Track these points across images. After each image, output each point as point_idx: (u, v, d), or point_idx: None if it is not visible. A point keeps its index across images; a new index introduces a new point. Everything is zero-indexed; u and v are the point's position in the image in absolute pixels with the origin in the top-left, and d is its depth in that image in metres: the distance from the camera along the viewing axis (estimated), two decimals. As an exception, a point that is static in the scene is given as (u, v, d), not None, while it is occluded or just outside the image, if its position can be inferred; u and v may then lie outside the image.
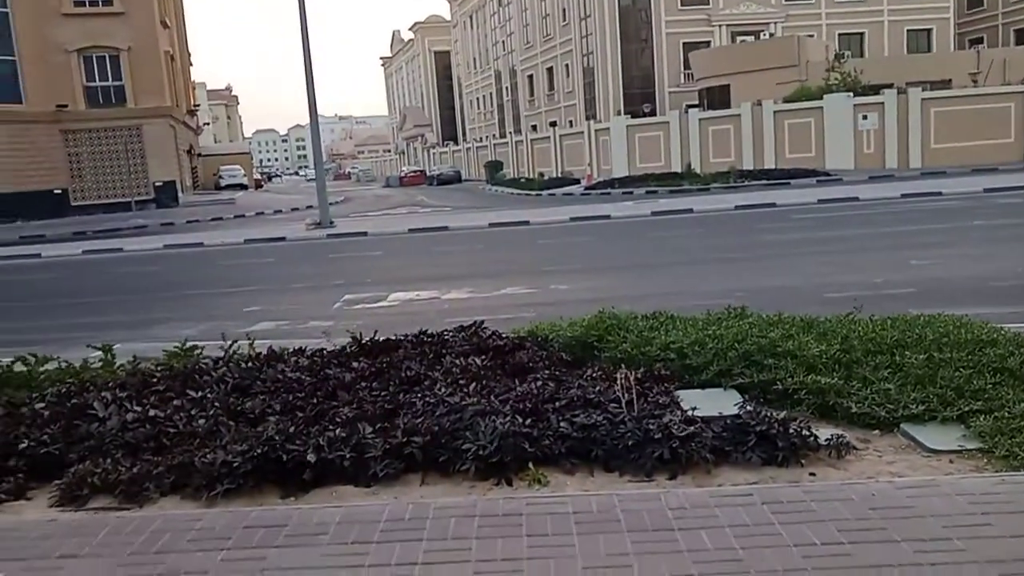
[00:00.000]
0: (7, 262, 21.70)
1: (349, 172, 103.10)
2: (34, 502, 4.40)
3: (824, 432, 4.48)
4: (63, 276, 18.14)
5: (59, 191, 37.20)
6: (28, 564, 3.58)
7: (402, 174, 65.79)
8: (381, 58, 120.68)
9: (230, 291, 14.34)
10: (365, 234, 23.17)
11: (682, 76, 50.96)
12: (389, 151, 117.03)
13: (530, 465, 4.28)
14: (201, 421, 4.89)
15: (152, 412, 5.05)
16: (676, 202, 25.14)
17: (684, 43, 50.97)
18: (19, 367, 6.88)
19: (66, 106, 36.96)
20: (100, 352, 7.24)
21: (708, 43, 50.89)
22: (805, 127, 34.78)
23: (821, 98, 34.68)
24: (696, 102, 44.85)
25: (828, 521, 3.52)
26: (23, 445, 4.69)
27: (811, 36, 47.69)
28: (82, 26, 37.07)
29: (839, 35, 51.95)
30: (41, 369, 6.89)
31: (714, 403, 4.93)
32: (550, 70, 61.10)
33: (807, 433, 4.38)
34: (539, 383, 5.28)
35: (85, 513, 4.16)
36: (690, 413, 4.60)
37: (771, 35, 49.55)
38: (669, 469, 4.19)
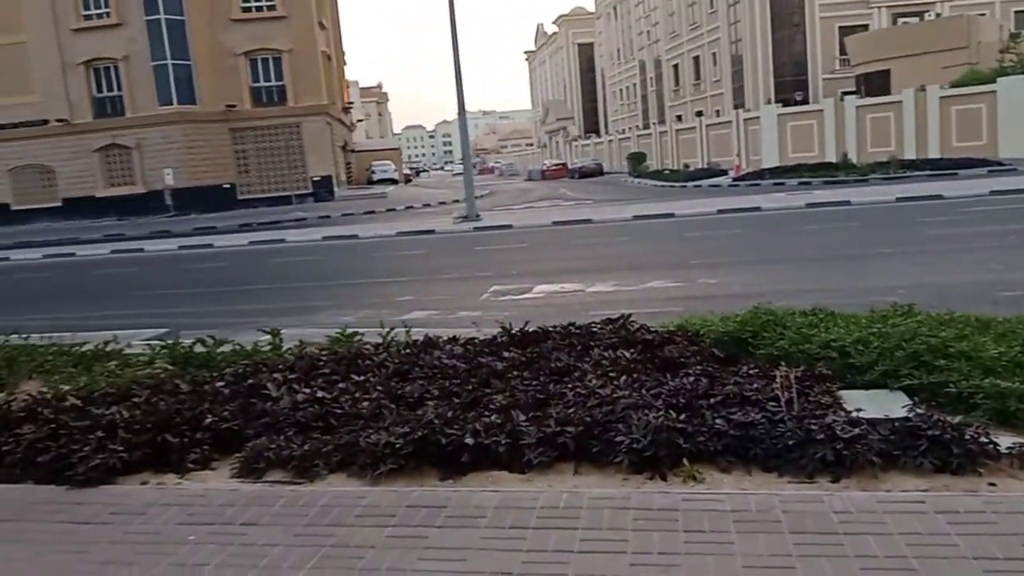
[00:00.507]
0: (184, 251, 23.54)
1: (492, 166, 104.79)
2: (217, 472, 4.77)
3: (1005, 440, 4.17)
4: (232, 265, 19.45)
5: (228, 186, 39.92)
6: (215, 529, 3.90)
7: (544, 167, 66.16)
8: (525, 52, 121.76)
9: (384, 281, 14.94)
10: (510, 227, 23.51)
11: (837, 62, 48.54)
12: (531, 145, 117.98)
13: (684, 461, 4.23)
14: (365, 403, 5.14)
15: (320, 394, 5.36)
16: (831, 193, 23.99)
17: (840, 27, 48.50)
18: (199, 348, 7.48)
19: (234, 106, 39.59)
20: (269, 336, 7.75)
21: (866, 26, 48.17)
22: (975, 113, 32.33)
23: (994, 81, 32.11)
24: (852, 89, 42.59)
25: (1012, 535, 3.30)
26: (207, 420, 5.09)
27: (983, 15, 44.23)
28: (249, 30, 39.55)
29: (1015, 12, 47.91)
30: (218, 350, 7.46)
31: (880, 405, 4.70)
32: (696, 59, 59.73)
33: (985, 440, 4.10)
34: (691, 378, 5.21)
35: (262, 485, 4.48)
36: (854, 414, 4.41)
37: (937, 15, 46.32)
38: (832, 472, 4.03)
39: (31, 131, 39.79)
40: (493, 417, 4.67)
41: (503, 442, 4.43)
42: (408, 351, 6.41)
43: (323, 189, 41.06)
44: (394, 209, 35.91)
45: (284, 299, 13.51)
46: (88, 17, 38.96)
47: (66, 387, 6.56)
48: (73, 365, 7.60)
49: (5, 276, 21.37)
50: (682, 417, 4.48)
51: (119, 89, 39.40)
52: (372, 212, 34.71)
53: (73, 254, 25.09)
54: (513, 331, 6.77)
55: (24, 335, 8.81)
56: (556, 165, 65.59)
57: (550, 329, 6.80)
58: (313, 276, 16.47)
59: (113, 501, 4.35)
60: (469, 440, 4.43)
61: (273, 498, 4.23)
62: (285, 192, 40.18)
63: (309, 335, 8.44)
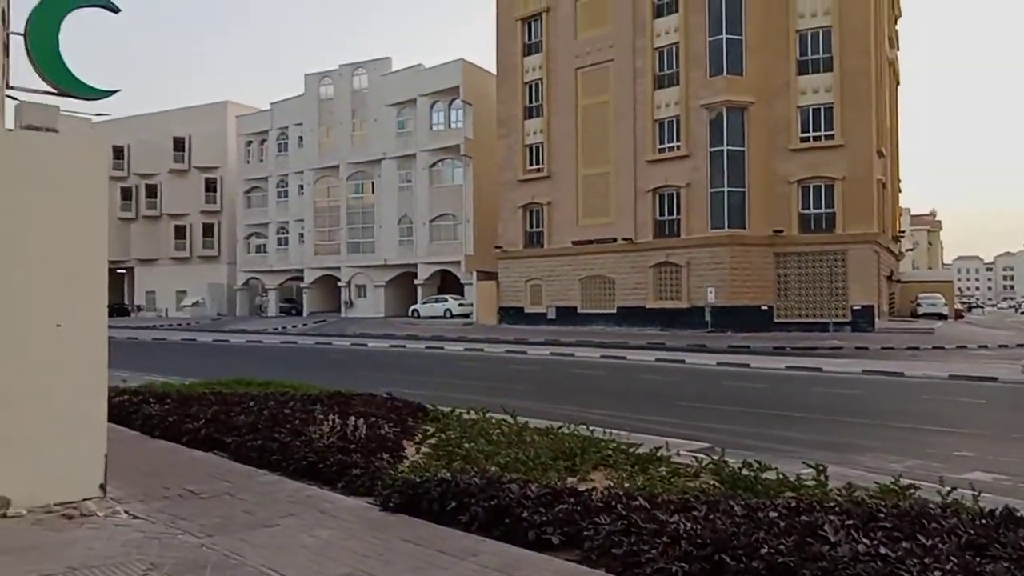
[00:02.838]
0: (721, 368, 24.50)
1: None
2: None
3: None
4: (768, 388, 19.59)
5: (765, 308, 40.70)
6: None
7: None
8: None
9: (935, 429, 13.53)
10: (1103, 386, 19.48)
11: None
12: None
13: None
14: (937, 574, 4.67)
15: (882, 550, 5.03)
16: None
17: None
18: (745, 471, 7.65)
19: (781, 231, 40.52)
20: (812, 469, 7.59)
21: None
22: None
23: None
24: None
25: None
26: (763, 550, 5.13)
27: None
28: (804, 159, 40.44)
29: None
30: (762, 475, 7.54)
31: None
32: None
33: None
34: None
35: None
36: None
37: None
38: None
39: (602, 247, 46.02)
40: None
41: None
42: (984, 522, 5.67)
43: (862, 319, 39.25)
44: (942, 347, 32.57)
45: (822, 431, 13.12)
46: (662, 150, 44.11)
47: (627, 484, 7.27)
48: (631, 464, 8.39)
49: (573, 370, 24.67)
50: None
51: (678, 213, 43.42)
52: (915, 348, 31.96)
53: (624, 357, 28.01)
54: None
55: (590, 428, 10.06)
56: None
57: None
58: (853, 412, 15.69)
59: (675, 608, 4.62)
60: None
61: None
62: (822, 319, 39.36)
63: (854, 476, 8.04)
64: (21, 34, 7.69)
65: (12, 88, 7.80)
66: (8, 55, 7.77)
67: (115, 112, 10.45)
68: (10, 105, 7.64)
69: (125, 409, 11.43)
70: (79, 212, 7.08)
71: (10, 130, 7.26)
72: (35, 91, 7.87)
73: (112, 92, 8.31)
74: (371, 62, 61.55)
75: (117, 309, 71.15)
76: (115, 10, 8.38)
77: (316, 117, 64.34)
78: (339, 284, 63.48)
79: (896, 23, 56.17)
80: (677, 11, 43.41)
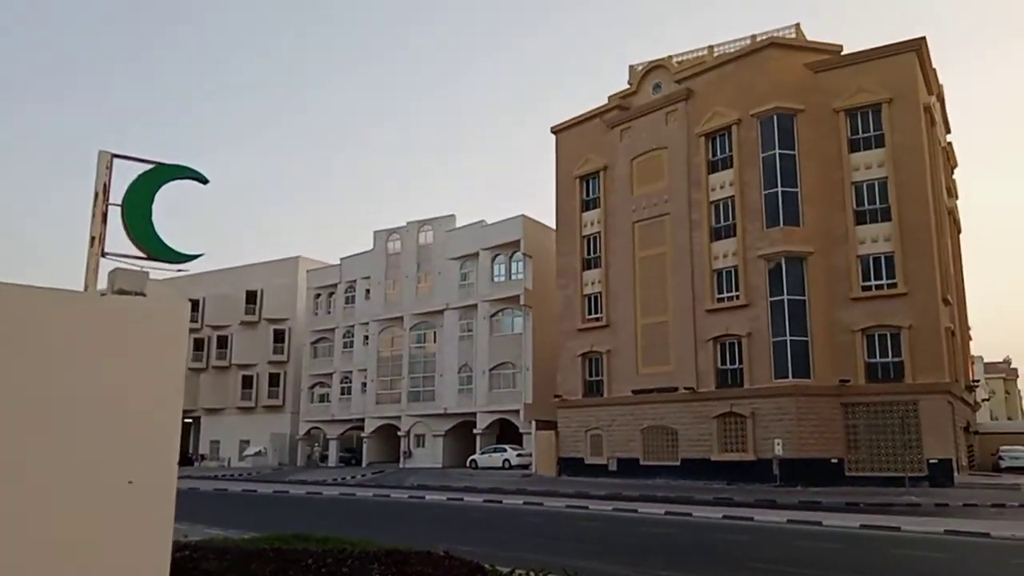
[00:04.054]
0: (792, 526, 23.38)
1: None
2: None
3: None
4: (844, 548, 18.58)
5: (835, 460, 39.15)
6: None
7: None
8: None
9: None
10: None
11: None
12: None
13: None
14: None
15: None
16: None
17: None
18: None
19: (848, 381, 39.52)
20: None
21: None
22: None
23: None
24: None
25: None
26: None
27: None
28: (867, 308, 39.94)
29: None
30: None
31: None
32: None
33: None
34: None
35: None
36: None
37: None
38: None
39: (663, 396, 45.35)
40: None
41: None
42: None
43: (940, 473, 37.31)
44: (1030, 505, 30.60)
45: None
46: (720, 300, 44.11)
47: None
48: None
49: (636, 528, 23.83)
50: None
51: (740, 362, 42.84)
52: (1001, 505, 30.08)
53: (690, 514, 26.97)
54: None
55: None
56: None
57: None
58: (937, 577, 14.76)
59: None
60: None
61: None
62: (896, 473, 37.52)
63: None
64: (118, 205, 8.40)
65: (107, 254, 8.43)
66: (106, 224, 8.45)
67: (194, 267, 11.13)
68: (103, 269, 8.22)
69: (184, 565, 11.40)
70: (159, 372, 7.40)
71: (103, 294, 7.78)
72: (127, 256, 8.48)
73: (196, 256, 8.89)
74: (437, 219, 64.11)
75: (182, 459, 71.97)
76: (204, 181, 9.10)
77: (383, 271, 66.54)
78: (399, 434, 63.43)
79: (952, 173, 56.55)
80: (731, 167, 44.61)
